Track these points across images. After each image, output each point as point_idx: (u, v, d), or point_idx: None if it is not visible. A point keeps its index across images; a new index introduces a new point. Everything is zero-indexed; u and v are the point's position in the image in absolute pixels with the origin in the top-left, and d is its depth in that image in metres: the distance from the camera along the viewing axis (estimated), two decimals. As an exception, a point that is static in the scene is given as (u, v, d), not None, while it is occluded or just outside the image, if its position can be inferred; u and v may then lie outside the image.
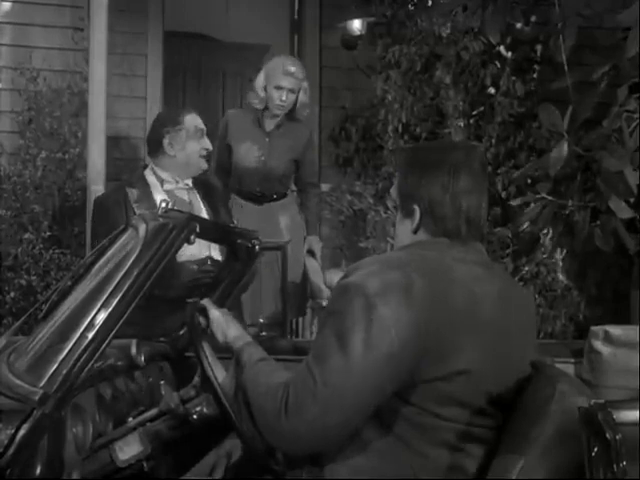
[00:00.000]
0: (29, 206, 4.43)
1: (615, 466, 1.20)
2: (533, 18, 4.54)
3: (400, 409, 1.48)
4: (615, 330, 3.29)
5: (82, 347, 1.57)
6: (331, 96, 5.32)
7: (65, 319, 1.62)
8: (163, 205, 1.84)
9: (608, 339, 3.27)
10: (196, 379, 1.84)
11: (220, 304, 2.03)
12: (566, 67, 4.07)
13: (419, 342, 1.44)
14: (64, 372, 1.54)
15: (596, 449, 1.22)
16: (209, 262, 2.77)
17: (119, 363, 1.97)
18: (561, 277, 4.36)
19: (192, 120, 3.00)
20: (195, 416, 1.80)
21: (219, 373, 1.73)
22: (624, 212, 3.76)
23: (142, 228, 1.74)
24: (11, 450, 1.45)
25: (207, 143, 3.03)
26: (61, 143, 4.59)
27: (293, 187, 3.93)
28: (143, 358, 1.98)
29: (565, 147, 3.84)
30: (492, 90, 4.51)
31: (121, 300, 1.64)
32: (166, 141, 2.97)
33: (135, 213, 2.73)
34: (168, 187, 2.97)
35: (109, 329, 1.61)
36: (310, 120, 4.40)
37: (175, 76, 6.37)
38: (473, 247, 1.61)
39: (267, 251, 3.34)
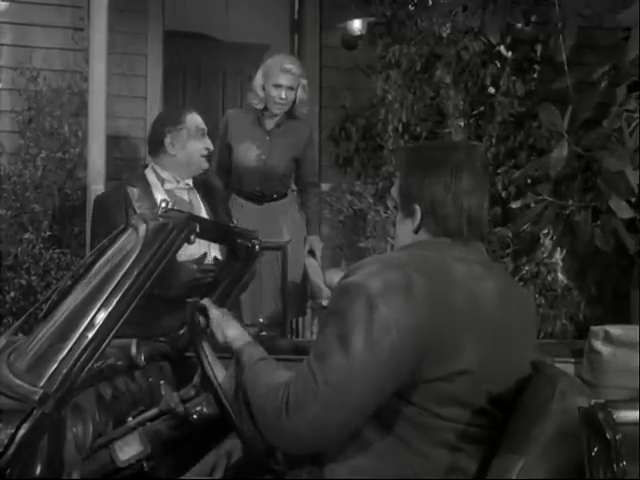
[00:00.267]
0: (29, 206, 4.43)
1: (615, 466, 1.20)
2: (533, 18, 4.54)
3: (401, 409, 1.48)
4: (615, 330, 3.29)
5: (82, 347, 1.57)
6: (331, 96, 5.32)
7: (65, 319, 1.62)
8: (163, 205, 1.84)
9: (608, 339, 3.27)
10: (196, 379, 1.84)
11: (220, 304, 2.03)
12: (566, 67, 4.08)
13: (420, 342, 1.44)
14: (64, 372, 1.54)
15: (596, 449, 1.22)
16: (211, 262, 2.78)
17: (119, 363, 1.97)
18: (561, 277, 4.36)
19: (193, 119, 3.00)
20: (195, 416, 1.80)
21: (219, 373, 1.73)
22: (625, 212, 3.76)
23: (142, 228, 1.74)
24: (11, 450, 1.45)
25: (208, 143, 3.03)
26: (61, 143, 4.59)
27: (293, 187, 3.93)
28: (143, 358, 1.98)
29: (565, 147, 3.84)
30: (492, 90, 4.51)
31: (121, 300, 1.63)
32: (167, 140, 2.97)
33: (136, 212, 2.74)
34: (169, 187, 2.97)
35: (109, 329, 1.61)
36: (310, 119, 4.40)
37: (175, 76, 6.37)
38: (474, 247, 1.61)
39: (267, 251, 3.34)
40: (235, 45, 6.79)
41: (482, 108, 4.55)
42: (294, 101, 3.72)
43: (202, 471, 1.86)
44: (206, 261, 2.81)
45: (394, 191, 1.69)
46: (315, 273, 3.82)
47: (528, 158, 4.48)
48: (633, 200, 3.76)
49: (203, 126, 3.03)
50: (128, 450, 1.77)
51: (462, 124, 4.50)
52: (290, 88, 3.67)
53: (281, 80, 3.65)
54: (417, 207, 1.60)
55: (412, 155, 1.72)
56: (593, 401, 1.26)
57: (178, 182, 2.99)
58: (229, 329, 1.78)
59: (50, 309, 1.66)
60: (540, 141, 4.39)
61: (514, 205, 4.18)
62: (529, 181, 4.35)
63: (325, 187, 4.81)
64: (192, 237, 1.84)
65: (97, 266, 1.70)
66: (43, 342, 1.59)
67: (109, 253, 1.72)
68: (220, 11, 6.52)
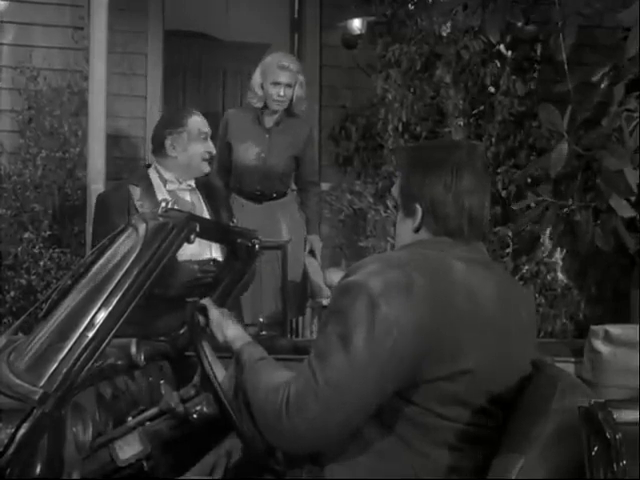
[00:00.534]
0: (29, 205, 4.43)
1: (615, 465, 1.20)
2: (533, 17, 4.54)
3: (402, 409, 1.48)
4: (615, 329, 3.28)
5: (82, 346, 1.57)
6: (331, 95, 5.32)
7: (65, 318, 1.62)
8: (163, 204, 1.84)
9: (608, 338, 3.26)
10: (196, 379, 1.84)
11: (220, 304, 2.03)
12: (566, 66, 4.07)
13: (421, 341, 1.44)
14: (64, 371, 1.54)
15: (596, 448, 1.22)
16: (211, 262, 2.78)
17: (119, 362, 1.97)
18: (561, 276, 4.36)
19: (195, 122, 2.99)
20: (195, 416, 1.80)
21: (219, 372, 1.73)
22: (625, 211, 3.76)
23: (142, 227, 1.74)
24: (11, 449, 1.45)
25: (210, 146, 3.02)
26: (61, 142, 4.59)
27: (293, 186, 3.94)
28: (143, 357, 1.98)
29: (565, 147, 3.84)
30: (492, 89, 4.51)
31: (121, 299, 1.64)
32: (168, 142, 2.97)
33: (137, 212, 2.74)
34: (171, 187, 2.98)
35: (109, 328, 1.61)
36: (310, 119, 4.40)
37: (175, 75, 6.37)
38: (475, 247, 1.61)
39: (267, 250, 3.34)
40: (235, 44, 6.79)
41: (482, 107, 4.55)
42: (292, 99, 3.73)
43: (202, 471, 1.86)
44: (205, 260, 2.82)
45: (395, 190, 1.69)
46: (315, 272, 3.82)
47: (528, 158, 4.48)
48: (633, 199, 3.76)
49: (206, 129, 3.02)
50: (128, 450, 1.77)
51: (462, 123, 4.50)
52: (288, 85, 3.68)
53: (279, 78, 3.66)
54: (418, 206, 1.60)
55: (413, 154, 1.72)
56: (593, 400, 1.26)
57: (180, 183, 2.99)
58: (229, 329, 1.78)
59: (50, 308, 1.66)
60: (540, 141, 4.38)
61: (515, 207, 4.18)
62: (529, 181, 4.35)
63: (325, 186, 4.81)
64: (192, 237, 1.84)
65: (97, 266, 1.70)
66: (43, 341, 1.59)
67: (109, 253, 1.72)
68: (220, 10, 6.52)
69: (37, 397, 1.50)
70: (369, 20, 5.12)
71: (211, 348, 1.78)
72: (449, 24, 4.53)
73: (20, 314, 3.78)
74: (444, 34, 4.54)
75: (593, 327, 3.36)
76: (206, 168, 3.02)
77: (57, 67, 4.77)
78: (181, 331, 2.28)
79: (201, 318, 1.84)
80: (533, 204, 4.08)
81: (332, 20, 5.31)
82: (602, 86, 4.04)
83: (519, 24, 4.48)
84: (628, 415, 1.24)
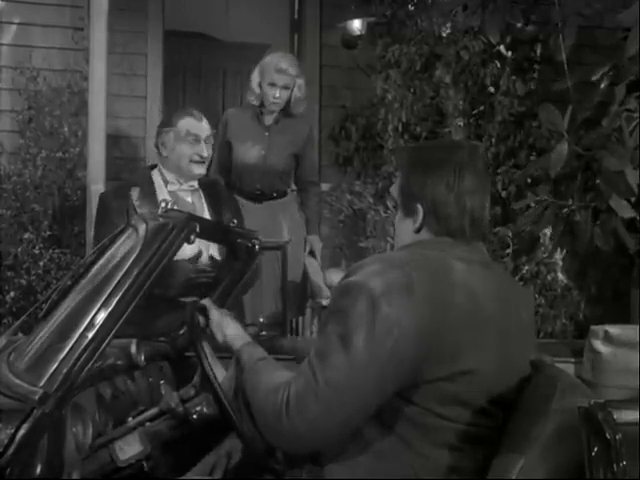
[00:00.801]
0: (29, 205, 4.44)
1: (615, 466, 1.20)
2: (533, 17, 4.54)
3: (402, 409, 1.48)
4: (615, 330, 3.29)
5: (82, 347, 1.57)
6: (331, 95, 5.32)
7: (65, 318, 1.62)
8: (162, 205, 1.84)
9: (608, 338, 3.27)
10: (196, 379, 1.84)
11: (220, 304, 2.03)
12: (566, 66, 4.08)
13: (422, 342, 1.44)
14: (64, 371, 1.54)
15: (596, 449, 1.22)
16: (208, 262, 2.78)
17: (119, 363, 1.97)
18: (561, 277, 4.36)
19: (186, 124, 2.96)
20: (195, 416, 1.80)
21: (219, 373, 1.73)
22: (625, 211, 3.76)
23: (142, 228, 1.74)
24: (11, 450, 1.45)
25: (200, 149, 2.95)
26: (61, 142, 4.59)
27: (293, 187, 3.93)
28: (143, 358, 1.98)
29: (565, 147, 3.84)
30: (492, 89, 4.51)
31: (121, 300, 1.63)
32: (160, 141, 3.00)
33: (136, 212, 2.74)
34: (172, 188, 2.98)
35: (109, 329, 1.61)
36: (310, 119, 4.40)
37: (175, 75, 6.38)
38: (476, 247, 1.61)
39: (267, 251, 3.34)
40: (235, 45, 6.79)
41: (482, 108, 4.55)
42: (290, 100, 3.73)
43: (202, 471, 1.86)
44: (202, 260, 2.82)
45: (395, 190, 1.69)
46: (315, 273, 3.82)
47: (528, 158, 4.48)
48: (633, 200, 3.76)
49: (197, 131, 2.96)
50: (128, 450, 1.77)
51: (462, 124, 4.50)
52: (285, 87, 3.68)
53: (276, 80, 3.66)
54: (419, 207, 1.60)
55: (414, 155, 1.71)
56: (593, 401, 1.26)
57: (181, 184, 2.99)
58: (229, 329, 1.78)
59: (50, 309, 1.66)
60: (540, 141, 4.39)
61: (515, 206, 4.19)
62: (529, 181, 4.35)
63: (325, 187, 4.81)
64: (192, 237, 1.84)
65: (97, 266, 1.70)
66: (43, 342, 1.59)
67: (109, 253, 1.72)
68: (220, 11, 6.53)
69: (37, 397, 1.50)
70: (369, 20, 5.12)
71: (211, 348, 1.78)
72: (449, 25, 4.54)
73: (20, 314, 3.78)
74: (444, 35, 4.55)
75: (593, 327, 3.37)
76: (197, 170, 2.97)
77: (57, 67, 4.78)
78: (181, 331, 2.28)
79: (201, 318, 1.84)
80: (533, 204, 4.08)
81: (332, 20, 5.32)
82: (602, 86, 4.04)
83: (519, 25, 4.49)
84: (628, 415, 1.24)
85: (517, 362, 1.59)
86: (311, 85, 4.59)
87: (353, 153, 5.14)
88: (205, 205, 3.01)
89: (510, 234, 4.34)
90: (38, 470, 1.51)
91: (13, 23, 4.81)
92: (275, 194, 3.80)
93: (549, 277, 4.36)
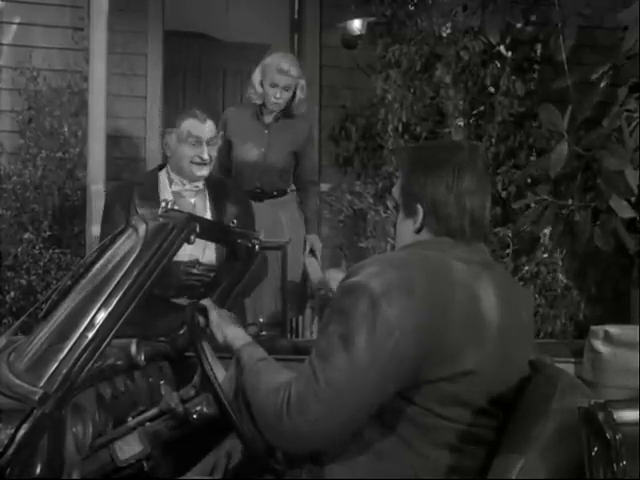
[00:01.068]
0: (29, 206, 4.43)
1: (615, 466, 1.20)
2: (533, 18, 4.54)
3: (403, 409, 1.48)
4: (615, 330, 3.28)
5: (82, 347, 1.57)
6: (331, 95, 5.32)
7: (65, 319, 1.62)
8: (163, 205, 1.84)
9: (608, 339, 3.26)
10: (196, 379, 1.84)
11: (220, 304, 2.03)
12: (566, 66, 4.08)
13: (422, 342, 1.44)
14: (64, 372, 1.54)
15: (596, 448, 1.22)
16: (197, 265, 2.79)
17: (119, 363, 1.97)
18: (561, 277, 4.36)
19: (188, 125, 2.96)
20: (195, 416, 1.80)
21: (219, 373, 1.73)
22: (625, 211, 3.76)
23: (142, 228, 1.74)
24: (11, 450, 1.45)
25: (202, 151, 2.94)
26: (61, 142, 4.59)
27: (293, 187, 3.94)
28: (143, 358, 1.98)
29: (565, 147, 3.84)
30: (492, 90, 4.51)
31: (121, 300, 1.64)
32: (164, 142, 3.03)
33: (137, 212, 2.75)
34: (176, 188, 2.99)
35: (109, 329, 1.61)
36: (310, 119, 4.40)
37: (175, 75, 6.38)
38: (476, 247, 1.61)
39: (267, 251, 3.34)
40: (235, 45, 6.79)
41: (482, 108, 4.55)
42: (291, 100, 3.73)
43: (202, 471, 1.86)
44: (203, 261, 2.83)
45: (395, 191, 1.69)
46: (315, 273, 3.82)
47: (528, 158, 4.48)
48: (633, 200, 3.76)
49: (199, 134, 2.95)
50: (128, 450, 1.77)
51: (462, 124, 4.50)
52: (286, 88, 3.69)
53: (277, 80, 3.68)
54: (419, 207, 1.60)
55: (414, 155, 1.71)
56: (593, 401, 1.26)
57: (184, 185, 2.99)
58: (228, 329, 1.78)
59: (50, 309, 1.66)
60: (540, 141, 4.38)
61: (514, 206, 4.18)
62: (529, 181, 4.35)
63: (325, 187, 4.81)
64: (192, 237, 1.84)
65: (97, 266, 1.70)
66: (43, 342, 1.59)
67: (109, 253, 1.72)
68: (220, 11, 6.52)
69: (37, 397, 1.50)
70: (369, 21, 5.12)
71: (211, 349, 1.78)
72: (449, 25, 4.53)
73: (20, 314, 3.77)
74: (444, 35, 4.54)
75: (593, 327, 3.36)
76: (199, 172, 2.96)
77: (57, 67, 4.77)
78: (181, 331, 2.28)
79: (201, 319, 1.84)
80: (533, 204, 4.08)
81: (332, 20, 5.31)
82: (602, 85, 4.04)
83: (519, 25, 4.49)
84: (628, 415, 1.24)
85: (517, 362, 1.59)
86: (311, 85, 4.58)
87: (353, 153, 5.14)
88: (209, 205, 3.01)
89: (510, 234, 4.33)
90: (38, 470, 1.51)
91: (13, 23, 4.81)
92: (275, 193, 3.80)
93: (549, 277, 4.36)
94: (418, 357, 1.44)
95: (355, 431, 1.48)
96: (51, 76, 4.72)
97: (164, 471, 1.88)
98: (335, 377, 1.42)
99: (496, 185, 4.35)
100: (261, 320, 3.48)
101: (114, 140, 4.76)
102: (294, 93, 3.73)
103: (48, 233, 4.41)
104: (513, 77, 4.48)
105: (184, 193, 2.98)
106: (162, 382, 2.08)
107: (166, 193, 2.94)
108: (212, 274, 2.69)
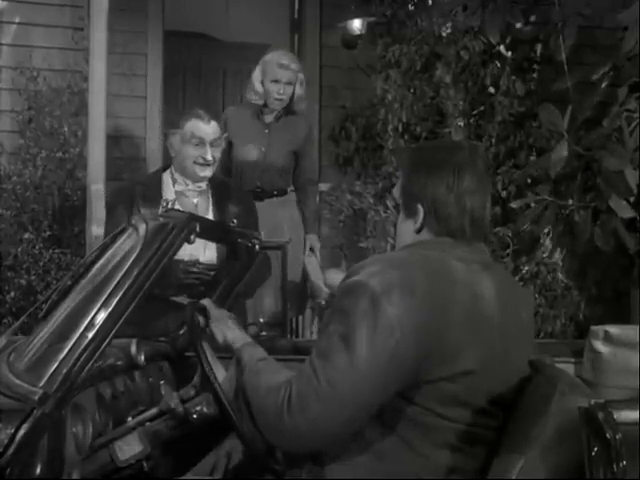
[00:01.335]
0: (29, 206, 4.43)
1: (615, 466, 1.20)
2: (533, 17, 4.53)
3: (403, 409, 1.48)
4: (615, 330, 3.28)
5: (82, 347, 1.57)
6: (331, 95, 5.32)
7: (65, 319, 1.62)
8: (163, 204, 1.84)
9: (608, 339, 3.26)
10: (196, 379, 1.84)
11: (220, 304, 2.03)
12: (566, 67, 4.07)
13: (423, 342, 1.44)
14: (64, 372, 1.54)
15: (596, 449, 1.22)
16: (197, 264, 2.80)
17: (119, 363, 1.97)
18: (561, 277, 4.36)
19: (192, 126, 2.96)
20: (195, 416, 1.80)
21: (219, 373, 1.73)
22: (625, 211, 3.76)
23: (142, 228, 1.74)
24: (11, 450, 1.45)
25: (205, 152, 2.95)
26: (61, 142, 4.59)
27: (292, 187, 3.94)
28: (143, 358, 1.98)
29: (565, 147, 3.84)
30: (492, 89, 4.51)
31: (121, 300, 1.63)
32: (168, 143, 3.04)
33: (139, 211, 2.76)
34: (179, 188, 3.00)
35: (109, 329, 1.61)
36: (310, 119, 4.40)
37: (175, 75, 6.37)
38: (476, 247, 1.61)
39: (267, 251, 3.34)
40: (235, 45, 6.79)
41: (482, 108, 4.54)
42: (292, 97, 3.74)
43: (202, 471, 1.86)
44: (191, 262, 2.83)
45: (396, 191, 1.69)
46: (315, 272, 3.82)
47: (528, 158, 4.48)
48: (633, 200, 3.76)
49: (202, 134, 2.96)
50: (128, 450, 1.77)
51: (462, 124, 4.49)
52: (288, 84, 3.71)
53: (279, 76, 3.69)
54: (419, 207, 1.61)
55: (414, 155, 1.72)
56: (593, 401, 1.26)
57: (187, 185, 2.99)
58: (228, 330, 1.78)
59: (50, 309, 1.66)
60: (540, 141, 4.38)
61: (514, 205, 4.18)
62: (529, 181, 4.35)
63: (325, 187, 4.82)
64: (192, 237, 1.84)
65: (97, 266, 1.70)
66: (43, 342, 1.59)
67: (109, 253, 1.72)
68: (220, 11, 6.52)
69: (37, 397, 1.50)
70: (369, 20, 5.12)
71: (211, 349, 1.78)
72: (449, 25, 4.53)
73: (20, 315, 3.78)
74: (444, 34, 4.54)
75: (593, 327, 3.36)
76: (202, 172, 2.97)
77: (57, 67, 4.77)
78: (181, 331, 2.28)
79: (201, 319, 1.84)
80: (533, 204, 4.08)
81: (332, 20, 5.31)
82: (602, 85, 4.04)
83: (519, 25, 4.49)
84: (628, 415, 1.24)
85: (517, 362, 1.59)
86: (311, 85, 4.58)
87: (353, 153, 5.14)
88: (211, 206, 3.02)
89: (510, 234, 4.33)
90: (38, 470, 1.51)
91: (13, 23, 4.81)
92: (275, 192, 3.81)
93: (549, 277, 4.36)
94: (418, 357, 1.44)
95: (355, 430, 1.48)
96: (51, 76, 4.72)
97: (164, 471, 1.88)
98: (336, 376, 1.42)
99: (496, 185, 4.35)
100: (261, 320, 3.48)
101: (114, 140, 4.76)
102: (293, 89, 3.74)
103: (48, 233, 4.41)
104: (513, 77, 4.48)
105: (187, 193, 2.99)
106: (162, 382, 2.08)
107: (169, 193, 2.95)
108: (212, 273, 2.69)
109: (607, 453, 1.20)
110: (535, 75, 4.66)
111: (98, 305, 1.61)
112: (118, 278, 1.65)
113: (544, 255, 4.35)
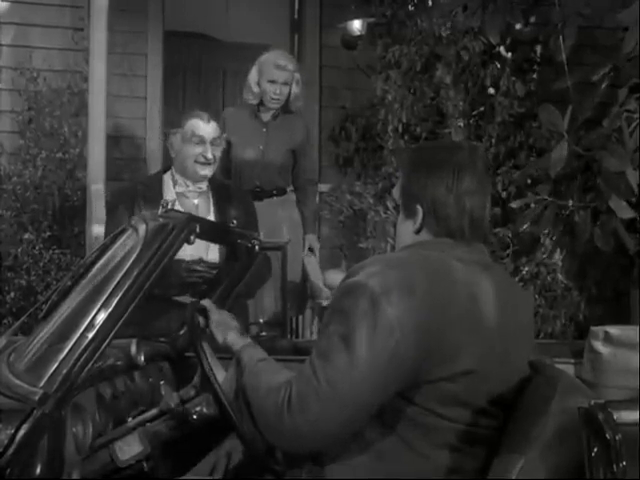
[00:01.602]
0: (29, 206, 4.44)
1: (615, 466, 1.20)
2: (533, 18, 4.54)
3: (403, 409, 1.48)
4: (615, 330, 3.29)
5: (82, 347, 1.57)
6: (331, 96, 5.33)
7: (65, 319, 1.62)
8: (163, 205, 1.84)
9: (608, 339, 3.27)
10: (196, 379, 1.84)
11: (220, 304, 2.03)
12: (566, 67, 4.08)
13: (422, 342, 1.44)
14: (64, 372, 1.54)
15: (596, 449, 1.22)
16: (200, 263, 2.80)
17: (119, 363, 1.97)
18: (561, 277, 4.36)
19: (192, 125, 2.97)
20: (195, 416, 1.80)
21: (219, 373, 1.72)
22: (625, 212, 3.76)
23: (142, 228, 1.74)
24: (11, 450, 1.45)
25: (206, 151, 2.95)
26: (61, 143, 4.59)
27: (291, 187, 3.94)
28: (143, 358, 1.98)
29: (565, 147, 3.84)
30: (492, 90, 4.51)
31: (121, 300, 1.63)
32: (168, 142, 3.04)
33: (140, 211, 2.76)
34: (179, 189, 3.00)
35: (109, 329, 1.61)
36: (310, 119, 4.41)
37: (175, 75, 6.37)
38: (476, 248, 1.61)
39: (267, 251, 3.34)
40: (235, 45, 6.79)
41: (482, 108, 4.55)
42: (289, 96, 3.76)
43: (202, 471, 1.86)
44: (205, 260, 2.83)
45: (395, 192, 1.69)
46: (314, 272, 3.83)
47: (528, 158, 4.48)
48: (633, 200, 3.77)
49: (203, 133, 2.97)
50: (128, 450, 1.77)
51: (462, 124, 4.50)
52: (285, 84, 3.73)
53: (276, 76, 3.70)
54: (419, 207, 1.60)
55: (414, 156, 1.72)
56: (593, 401, 1.26)
57: (188, 186, 2.99)
58: (228, 330, 1.78)
59: (50, 309, 1.66)
60: (540, 141, 4.39)
61: (514, 205, 4.18)
62: (529, 181, 4.35)
63: (325, 187, 4.82)
64: (192, 237, 1.84)
65: (97, 266, 1.70)
66: (43, 342, 1.59)
67: (109, 253, 1.72)
68: (220, 11, 6.52)
69: (37, 398, 1.50)
70: (369, 21, 5.12)
71: (211, 349, 1.78)
72: (449, 25, 4.53)
73: (20, 315, 3.78)
74: (444, 35, 4.54)
75: (593, 328, 3.37)
76: (202, 171, 2.97)
77: (57, 68, 4.77)
78: (181, 332, 2.28)
79: (201, 319, 1.84)
80: (533, 204, 4.09)
81: (332, 21, 5.32)
82: (602, 86, 4.04)
83: (519, 25, 4.49)
84: (628, 416, 1.24)
85: (517, 362, 1.59)
86: (311, 85, 4.59)
87: (353, 154, 5.14)
88: (212, 207, 3.02)
89: (510, 234, 4.34)
90: (38, 470, 1.51)
91: (13, 23, 4.81)
92: (275, 191, 3.81)
93: (549, 278, 4.36)
94: (418, 357, 1.44)
95: (355, 431, 1.48)
96: (51, 76, 4.72)
97: (164, 471, 1.88)
98: (335, 376, 1.42)
99: (496, 185, 4.36)
100: (261, 320, 3.48)
101: (114, 140, 4.77)
102: (290, 89, 3.75)
103: (48, 233, 4.41)
104: (513, 78, 4.48)
105: (187, 194, 2.99)
106: (162, 382, 2.08)
107: (169, 194, 2.95)
108: (214, 271, 2.69)
109: (607, 453, 1.20)
110: (535, 76, 4.67)
111: (98, 305, 1.61)
112: (118, 278, 1.65)
113: (544, 256, 4.35)
